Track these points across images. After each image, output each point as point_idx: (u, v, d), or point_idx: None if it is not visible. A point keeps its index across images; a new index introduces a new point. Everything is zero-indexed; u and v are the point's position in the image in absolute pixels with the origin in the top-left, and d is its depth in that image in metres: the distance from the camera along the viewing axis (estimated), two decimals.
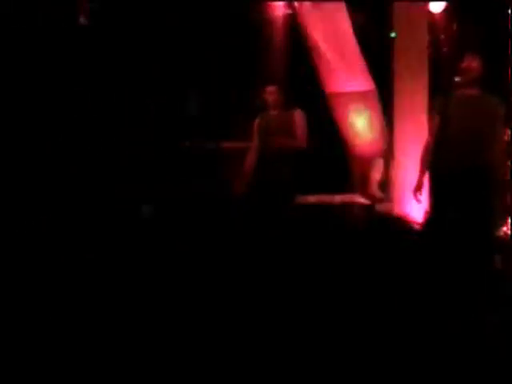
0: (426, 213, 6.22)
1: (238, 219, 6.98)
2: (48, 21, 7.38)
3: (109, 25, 7.96)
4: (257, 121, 7.10)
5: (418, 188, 6.02)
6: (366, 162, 8.10)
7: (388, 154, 7.71)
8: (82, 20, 7.54)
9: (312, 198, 7.67)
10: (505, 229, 6.72)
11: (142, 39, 8.13)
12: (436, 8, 7.88)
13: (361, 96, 8.16)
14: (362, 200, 7.79)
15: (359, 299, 4.07)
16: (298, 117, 6.95)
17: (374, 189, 7.78)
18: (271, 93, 7.04)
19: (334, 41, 8.16)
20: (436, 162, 6.03)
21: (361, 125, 8.25)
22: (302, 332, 3.77)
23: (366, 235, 5.75)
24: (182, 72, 8.36)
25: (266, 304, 4.13)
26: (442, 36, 7.95)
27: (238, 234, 6.64)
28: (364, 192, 7.90)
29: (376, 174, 7.85)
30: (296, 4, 8.32)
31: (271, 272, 4.65)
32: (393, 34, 7.54)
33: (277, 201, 6.89)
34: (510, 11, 7.46)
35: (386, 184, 7.66)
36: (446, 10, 7.95)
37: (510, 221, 6.77)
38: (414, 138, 7.18)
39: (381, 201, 7.65)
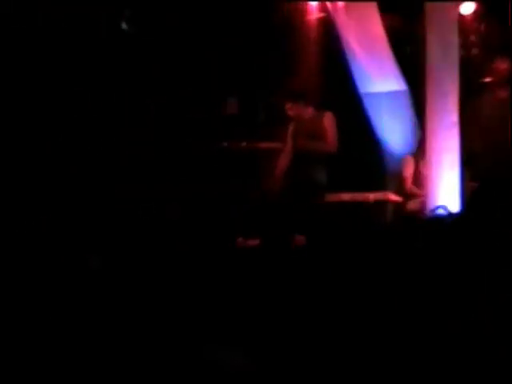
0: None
1: (270, 219, 7.17)
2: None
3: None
4: (291, 125, 7.37)
5: None
6: (399, 160, 8.28)
7: (419, 152, 7.87)
8: (124, 25, 7.68)
9: (346, 196, 7.88)
10: None
11: (178, 42, 8.29)
12: (466, 10, 8.04)
13: (393, 96, 8.35)
14: (394, 197, 7.98)
15: (390, 296, 4.22)
16: (328, 120, 7.19)
17: (408, 186, 7.96)
18: (290, 109, 7.30)
19: (367, 42, 8.33)
20: (472, 163, 6.17)
21: (393, 124, 8.43)
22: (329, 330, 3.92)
23: (396, 232, 5.90)
24: (219, 74, 8.54)
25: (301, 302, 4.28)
26: (473, 37, 8.09)
27: (271, 230, 6.83)
28: (398, 189, 8.09)
29: (408, 172, 8.03)
30: (329, 6, 8.52)
31: (304, 270, 4.82)
32: None
33: (308, 201, 7.10)
34: None
35: (418, 181, 7.82)
36: (476, 12, 8.10)
37: None
38: (445, 136, 7.34)
39: (414, 197, 7.81)
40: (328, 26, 8.48)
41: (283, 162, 7.34)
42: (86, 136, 7.53)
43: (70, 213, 6.55)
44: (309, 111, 7.38)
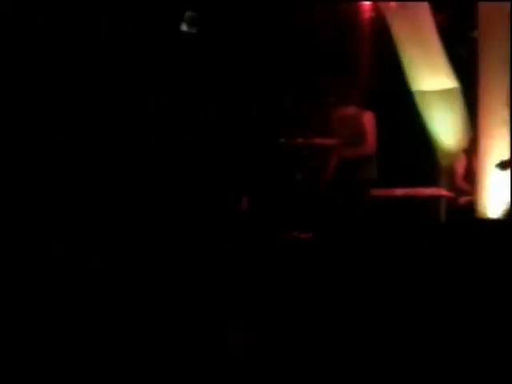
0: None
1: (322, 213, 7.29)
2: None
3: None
4: (333, 119, 7.50)
5: None
6: (450, 157, 8.39)
7: (471, 148, 7.98)
8: (185, 27, 7.77)
9: (399, 191, 8.01)
10: None
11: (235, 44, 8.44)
12: None
13: (444, 93, 8.45)
14: (446, 193, 8.09)
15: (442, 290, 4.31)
16: (368, 119, 7.27)
17: (460, 181, 8.06)
18: (333, 111, 7.40)
19: (419, 40, 8.44)
20: None
21: (444, 121, 8.53)
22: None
23: (449, 227, 6.01)
24: (275, 72, 8.68)
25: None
26: None
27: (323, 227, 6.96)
28: (450, 185, 8.19)
29: (460, 168, 8.12)
30: (381, 6, 8.66)
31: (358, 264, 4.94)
32: None
33: (356, 198, 7.23)
34: None
35: (470, 177, 7.92)
36: None
37: None
38: (496, 133, 7.44)
39: (466, 193, 7.91)
40: (380, 26, 8.62)
41: (334, 159, 7.51)
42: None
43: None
44: (351, 109, 7.48)
